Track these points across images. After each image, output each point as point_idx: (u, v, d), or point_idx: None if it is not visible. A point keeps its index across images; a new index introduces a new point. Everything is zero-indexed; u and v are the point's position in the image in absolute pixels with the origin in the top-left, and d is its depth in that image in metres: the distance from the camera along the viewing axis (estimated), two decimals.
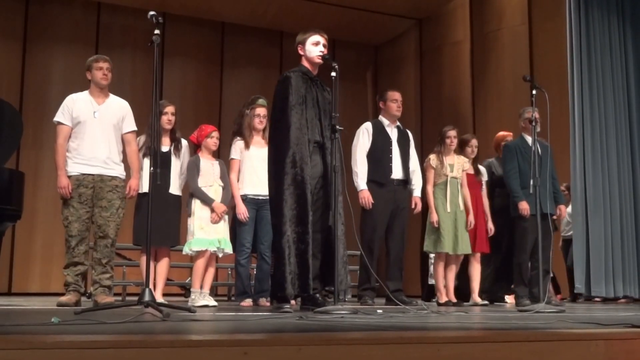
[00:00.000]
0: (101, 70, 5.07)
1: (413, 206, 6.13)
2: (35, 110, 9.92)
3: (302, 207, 4.26)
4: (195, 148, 5.59)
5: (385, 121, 6.15)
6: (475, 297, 6.41)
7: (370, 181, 5.96)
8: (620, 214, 7.97)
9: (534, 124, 5.25)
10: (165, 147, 5.35)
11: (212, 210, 5.28)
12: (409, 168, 6.12)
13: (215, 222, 5.28)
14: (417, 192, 6.13)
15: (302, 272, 4.20)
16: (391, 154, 6.05)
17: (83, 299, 5.16)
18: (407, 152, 6.14)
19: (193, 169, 5.39)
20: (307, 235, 4.24)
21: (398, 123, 6.21)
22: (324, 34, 4.62)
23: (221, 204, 5.30)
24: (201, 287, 5.34)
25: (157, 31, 3.65)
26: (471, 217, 6.31)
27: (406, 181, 6.10)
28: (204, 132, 5.52)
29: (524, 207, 6.01)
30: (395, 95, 6.16)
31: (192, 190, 5.35)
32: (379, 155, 6.02)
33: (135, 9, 10.35)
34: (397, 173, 6.04)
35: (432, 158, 6.35)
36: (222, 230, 5.37)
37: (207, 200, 5.30)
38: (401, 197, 6.07)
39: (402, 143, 6.14)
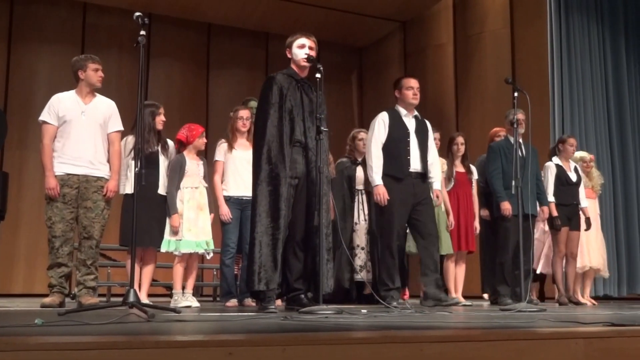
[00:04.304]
0: (98, 72, 5.04)
1: (435, 199, 5.74)
2: (20, 111, 9.86)
3: (274, 203, 4.27)
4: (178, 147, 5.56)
5: (402, 111, 5.71)
6: (459, 296, 6.46)
7: (386, 175, 5.54)
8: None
9: (515, 125, 5.31)
10: (153, 147, 5.33)
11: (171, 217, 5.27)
12: (427, 160, 5.69)
13: (175, 231, 5.26)
14: (437, 185, 5.75)
15: (270, 268, 4.21)
16: (409, 145, 5.61)
17: (67, 300, 5.14)
18: (425, 143, 5.72)
19: (177, 170, 5.33)
20: (278, 231, 4.25)
21: (416, 112, 5.78)
22: (311, 36, 4.65)
23: (176, 219, 5.24)
24: (184, 288, 5.36)
25: (142, 32, 3.66)
26: (451, 218, 6.36)
27: (424, 174, 5.66)
28: (196, 132, 5.48)
29: (506, 207, 6.06)
30: (411, 82, 5.73)
31: (167, 191, 5.29)
32: (395, 147, 5.59)
33: (121, 9, 10.32)
34: (415, 165, 5.60)
35: None
36: (209, 231, 5.39)
37: (171, 208, 5.25)
38: (420, 190, 5.61)
39: (421, 134, 5.71)
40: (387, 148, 5.60)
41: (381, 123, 5.65)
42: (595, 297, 7.67)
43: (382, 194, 5.47)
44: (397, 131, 5.63)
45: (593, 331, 2.45)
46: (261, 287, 4.21)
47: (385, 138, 5.61)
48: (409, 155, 5.59)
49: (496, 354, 2.14)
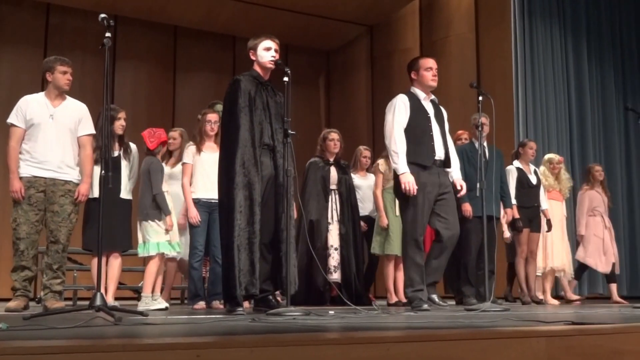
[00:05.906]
0: (66, 75, 4.98)
1: (458, 189, 5.16)
2: None
3: (249, 208, 4.28)
4: (147, 151, 5.55)
5: (420, 94, 5.13)
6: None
7: (411, 164, 4.93)
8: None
9: (480, 129, 5.39)
10: (115, 151, 5.30)
11: (164, 219, 5.33)
12: (447, 147, 5.14)
13: (169, 230, 5.31)
14: (457, 174, 5.16)
15: (248, 272, 4.22)
16: (431, 131, 5.04)
17: (32, 304, 5.07)
18: (444, 129, 5.16)
19: (159, 172, 5.36)
20: (254, 235, 4.26)
21: (432, 96, 5.23)
22: (275, 39, 4.65)
23: (170, 219, 5.30)
24: (153, 290, 5.35)
25: (108, 34, 3.64)
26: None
27: (446, 162, 5.12)
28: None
29: (466, 208, 6.14)
30: (429, 62, 5.14)
31: (156, 193, 5.29)
32: (418, 133, 5.01)
33: (85, 11, 10.19)
34: (439, 153, 5.04)
35: (381, 163, 6.45)
36: (177, 233, 5.46)
37: (164, 209, 5.28)
38: (444, 180, 5.06)
39: (439, 119, 5.16)
40: (409, 134, 5.01)
41: (401, 105, 5.05)
42: (557, 297, 7.78)
43: (409, 182, 4.82)
44: (418, 115, 5.06)
45: (554, 330, 2.51)
46: (242, 291, 4.22)
47: (406, 122, 5.02)
48: (433, 141, 5.03)
49: (461, 353, 2.18)
